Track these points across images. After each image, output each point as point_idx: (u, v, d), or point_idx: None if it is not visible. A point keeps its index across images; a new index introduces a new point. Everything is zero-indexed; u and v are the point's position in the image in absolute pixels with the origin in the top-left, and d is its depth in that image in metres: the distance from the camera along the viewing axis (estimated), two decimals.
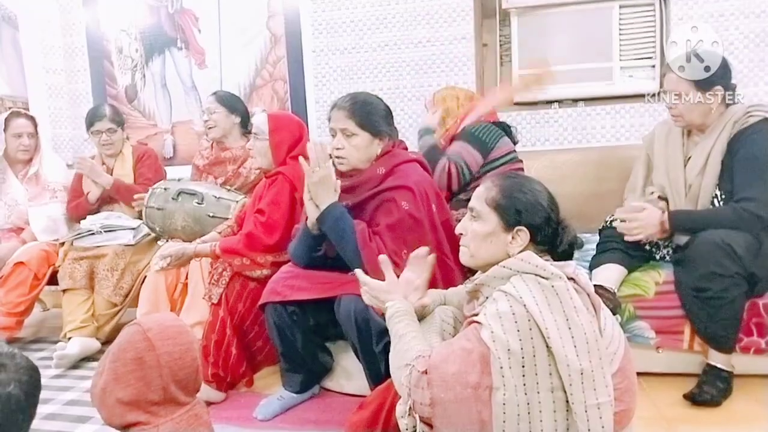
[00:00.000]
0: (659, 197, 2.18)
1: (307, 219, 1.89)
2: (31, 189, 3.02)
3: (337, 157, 1.91)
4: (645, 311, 2.11)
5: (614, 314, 1.96)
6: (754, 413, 1.89)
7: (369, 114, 1.89)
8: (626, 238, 2.07)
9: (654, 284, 2.10)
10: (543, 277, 1.23)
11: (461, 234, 1.42)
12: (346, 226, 1.80)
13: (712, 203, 2.06)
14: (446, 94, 2.61)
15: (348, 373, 2.15)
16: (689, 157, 2.13)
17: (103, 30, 3.77)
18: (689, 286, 1.98)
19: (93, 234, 2.82)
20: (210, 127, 2.87)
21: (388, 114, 1.95)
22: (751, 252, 1.91)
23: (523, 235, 1.32)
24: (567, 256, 1.35)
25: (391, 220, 1.82)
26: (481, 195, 1.38)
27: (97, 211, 3.03)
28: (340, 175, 1.94)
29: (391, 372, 1.39)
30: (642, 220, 2.04)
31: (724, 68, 2.04)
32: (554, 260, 1.32)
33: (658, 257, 2.21)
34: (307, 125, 3.44)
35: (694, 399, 1.96)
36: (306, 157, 2.25)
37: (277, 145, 2.24)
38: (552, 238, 1.34)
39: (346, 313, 1.79)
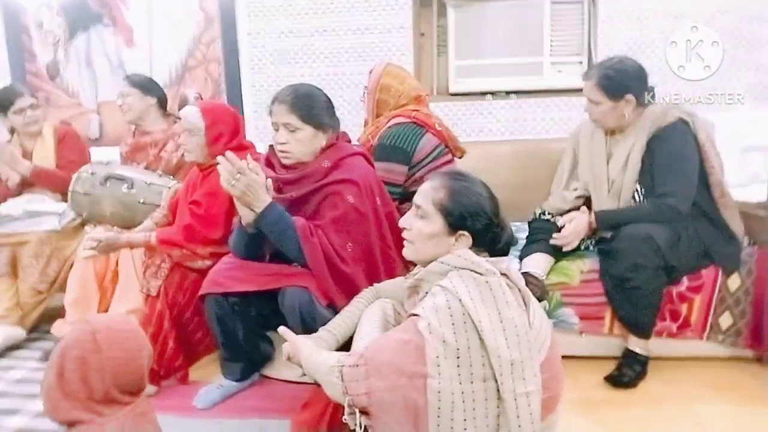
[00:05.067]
0: (579, 197, 2.32)
1: (241, 218, 1.84)
2: None
3: (281, 152, 1.89)
4: (570, 298, 2.23)
5: (541, 300, 2.06)
6: (665, 393, 2.06)
7: (311, 107, 1.87)
8: (565, 249, 2.20)
9: (579, 272, 2.23)
10: (478, 273, 1.29)
11: (404, 228, 1.44)
12: (285, 226, 1.77)
13: (633, 198, 2.20)
14: (392, 84, 2.33)
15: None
16: (611, 154, 2.26)
17: (21, 1, 3.53)
18: (614, 276, 2.11)
19: (15, 219, 2.69)
20: (125, 111, 2.78)
21: (330, 106, 1.94)
22: (670, 244, 2.06)
23: (465, 239, 1.37)
24: (503, 253, 1.42)
25: (336, 213, 1.82)
26: (428, 194, 1.40)
27: (18, 194, 2.87)
28: (284, 167, 1.93)
29: (325, 390, 1.35)
30: (574, 231, 2.17)
31: (637, 75, 2.16)
32: (490, 256, 1.38)
33: (582, 247, 2.32)
34: (243, 109, 3.40)
35: (614, 381, 2.10)
36: (244, 148, 2.22)
37: (214, 140, 2.15)
38: (492, 241, 1.40)
39: (291, 305, 1.78)
